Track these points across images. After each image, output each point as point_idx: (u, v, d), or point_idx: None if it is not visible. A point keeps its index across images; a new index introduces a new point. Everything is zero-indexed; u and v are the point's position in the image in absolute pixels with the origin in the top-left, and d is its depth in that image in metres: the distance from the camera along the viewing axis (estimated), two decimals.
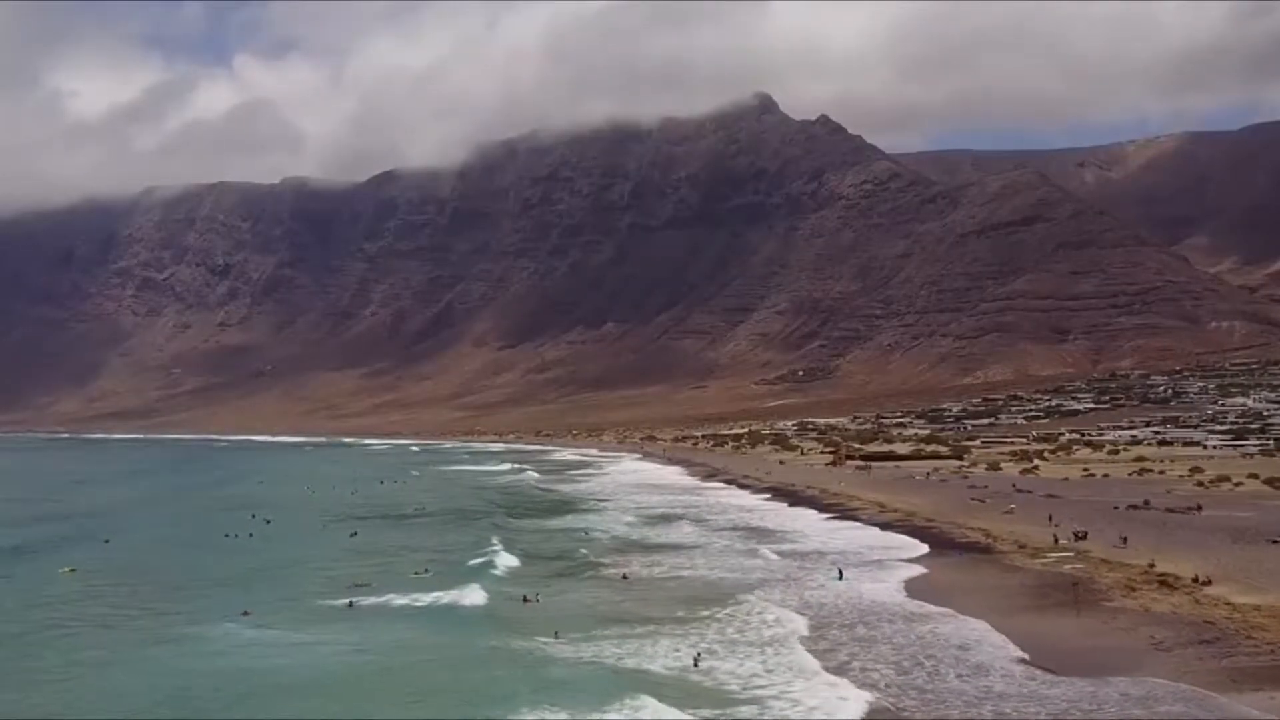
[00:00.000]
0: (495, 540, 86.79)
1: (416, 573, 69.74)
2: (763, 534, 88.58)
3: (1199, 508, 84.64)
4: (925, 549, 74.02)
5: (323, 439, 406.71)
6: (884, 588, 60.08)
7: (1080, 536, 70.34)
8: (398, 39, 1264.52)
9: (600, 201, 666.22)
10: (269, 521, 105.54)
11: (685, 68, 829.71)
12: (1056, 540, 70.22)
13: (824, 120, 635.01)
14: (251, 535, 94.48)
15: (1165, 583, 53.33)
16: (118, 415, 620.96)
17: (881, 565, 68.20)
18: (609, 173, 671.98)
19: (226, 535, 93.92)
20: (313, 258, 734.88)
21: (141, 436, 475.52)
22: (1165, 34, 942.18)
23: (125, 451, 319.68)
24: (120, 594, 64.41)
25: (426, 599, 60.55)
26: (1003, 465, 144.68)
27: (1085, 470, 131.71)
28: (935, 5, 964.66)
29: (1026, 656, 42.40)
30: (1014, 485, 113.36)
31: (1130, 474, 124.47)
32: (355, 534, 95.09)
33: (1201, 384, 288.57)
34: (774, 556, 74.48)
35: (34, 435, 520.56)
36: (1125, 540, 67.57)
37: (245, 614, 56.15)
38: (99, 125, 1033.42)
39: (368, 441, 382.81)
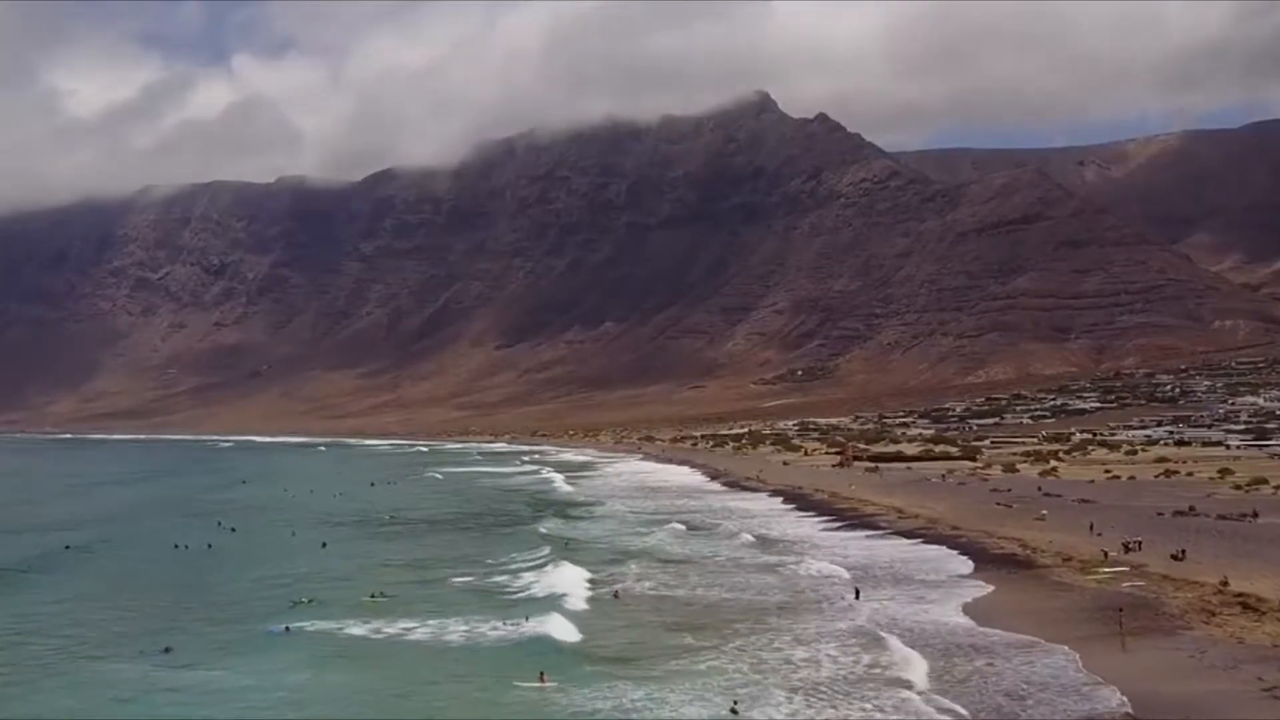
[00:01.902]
0: (475, 553, 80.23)
1: (373, 595, 62.66)
2: (772, 545, 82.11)
3: (1255, 514, 78.98)
4: (969, 564, 67.59)
5: (326, 440, 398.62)
6: (939, 611, 53.76)
7: (1130, 548, 64.50)
8: (397, 37, 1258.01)
9: (598, 200, 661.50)
10: (234, 530, 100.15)
11: (683, 66, 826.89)
12: (1106, 554, 63.96)
13: (822, 118, 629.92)
14: (210, 546, 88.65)
15: (1248, 605, 47.55)
16: (113, 415, 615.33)
17: (927, 584, 61.97)
18: (606, 171, 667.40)
19: (177, 546, 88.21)
20: (309, 257, 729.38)
21: (145, 437, 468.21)
22: (1166, 32, 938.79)
23: (124, 453, 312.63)
24: (31, 619, 57.57)
25: (388, 629, 53.28)
26: (1019, 467, 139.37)
27: (1107, 472, 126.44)
28: (934, 4, 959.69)
29: (1130, 709, 36.34)
30: (1039, 488, 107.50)
31: (1156, 476, 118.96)
32: (325, 545, 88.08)
33: (1209, 383, 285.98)
34: (787, 571, 68.51)
35: (35, 436, 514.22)
36: (1184, 553, 61.85)
37: (166, 650, 49.50)
38: (95, 124, 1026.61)
39: (369, 442, 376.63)
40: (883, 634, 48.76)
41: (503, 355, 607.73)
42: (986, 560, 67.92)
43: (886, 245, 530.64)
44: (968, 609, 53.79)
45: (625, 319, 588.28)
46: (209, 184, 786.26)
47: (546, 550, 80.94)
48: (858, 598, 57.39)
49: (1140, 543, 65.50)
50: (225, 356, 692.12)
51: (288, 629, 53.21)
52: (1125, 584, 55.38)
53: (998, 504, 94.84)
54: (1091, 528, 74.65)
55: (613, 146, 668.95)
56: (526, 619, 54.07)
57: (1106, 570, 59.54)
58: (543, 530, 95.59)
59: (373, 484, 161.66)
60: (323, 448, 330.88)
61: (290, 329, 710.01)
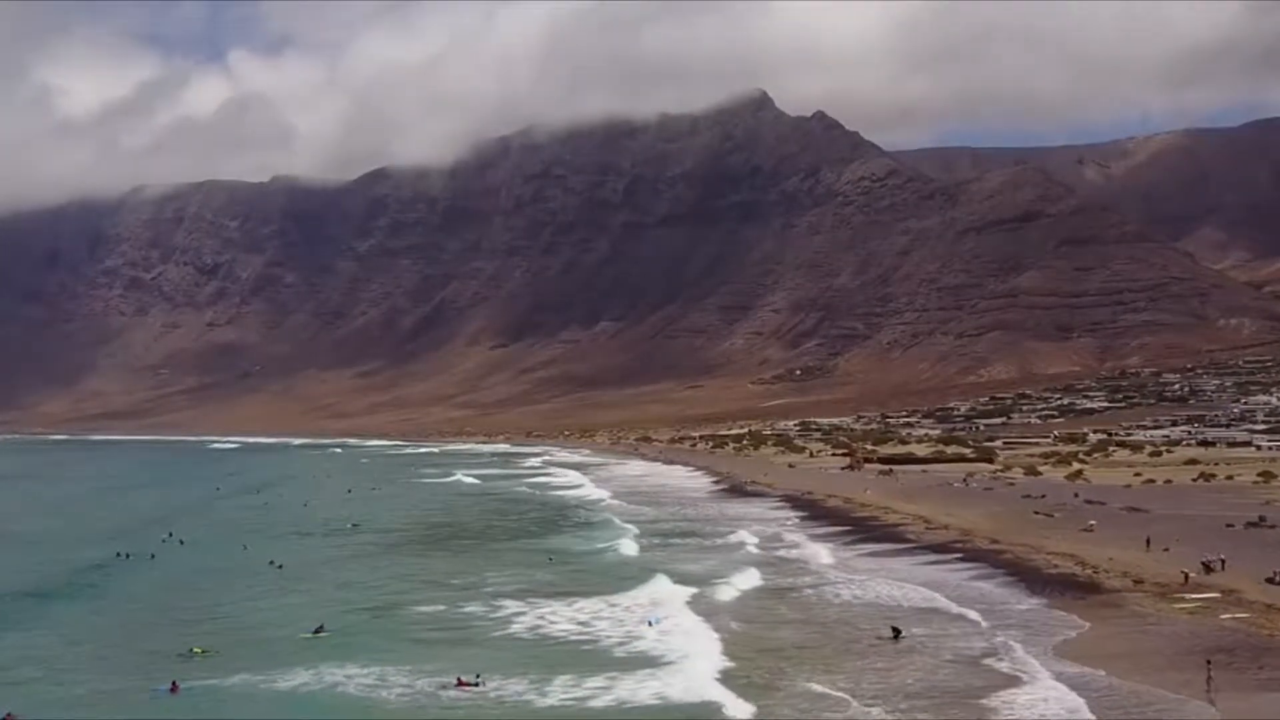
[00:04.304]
0: (442, 574, 71.00)
1: (314, 632, 53.00)
2: (788, 565, 72.22)
3: None
4: (1022, 585, 58.65)
5: (320, 441, 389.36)
6: (1035, 657, 43.89)
7: (1212, 568, 56.68)
8: (394, 35, 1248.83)
9: (594, 199, 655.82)
10: (182, 542, 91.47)
11: (681, 63, 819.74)
12: (1187, 577, 55.58)
13: (820, 116, 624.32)
14: (154, 557, 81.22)
15: None
16: (107, 416, 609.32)
17: (999, 614, 52.91)
18: (603, 170, 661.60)
19: (119, 555, 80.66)
20: (302, 256, 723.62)
21: (150, 438, 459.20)
22: (1167, 30, 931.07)
23: (113, 455, 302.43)
24: None
25: (305, 687, 43.46)
26: (1041, 469, 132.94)
27: (1137, 474, 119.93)
28: (933, 2, 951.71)
29: None
30: (1075, 494, 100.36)
31: (1194, 480, 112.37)
32: (280, 566, 76.83)
33: (1217, 382, 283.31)
34: (800, 598, 59.90)
35: (26, 436, 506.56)
36: None
37: (6, 718, 40.75)
38: (88, 122, 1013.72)
39: (371, 443, 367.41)
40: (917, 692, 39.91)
41: (499, 355, 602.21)
42: (1041, 582, 59.94)
43: (886, 244, 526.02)
44: (1063, 651, 44.57)
45: (622, 318, 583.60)
46: (202, 183, 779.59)
47: (532, 572, 71.43)
48: (896, 638, 48.44)
49: (1223, 561, 57.89)
50: (219, 357, 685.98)
51: (174, 687, 43.68)
52: (1223, 615, 47.73)
53: (1036, 513, 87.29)
54: (1149, 543, 67.17)
55: (609, 144, 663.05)
56: (477, 679, 43.44)
57: (1194, 597, 51.54)
58: (533, 546, 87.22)
59: (350, 490, 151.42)
60: (338, 449, 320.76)
61: (284, 329, 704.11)
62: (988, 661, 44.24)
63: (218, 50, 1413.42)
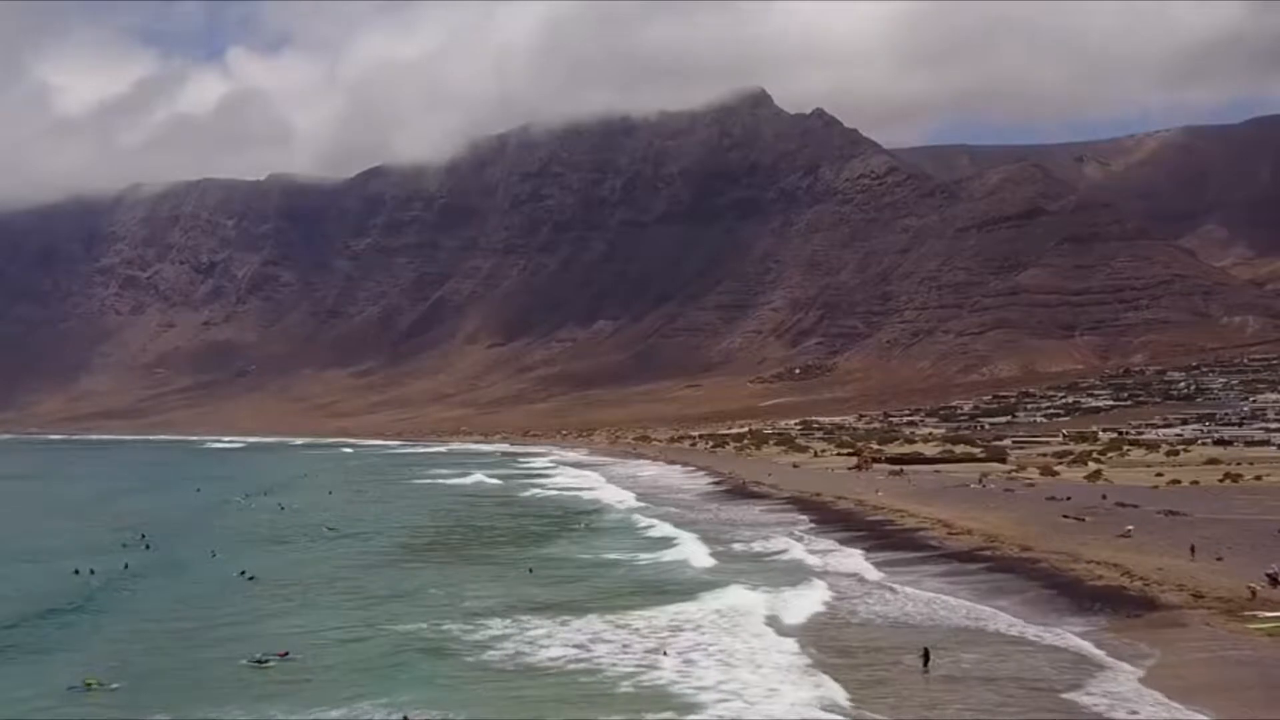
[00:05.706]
0: (423, 584, 65.49)
1: (256, 659, 46.30)
2: (801, 572, 66.95)
3: None
4: (1067, 601, 52.93)
5: (333, 440, 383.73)
6: (1109, 689, 38.21)
7: (1278, 580, 52.13)
8: (392, 33, 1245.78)
9: (591, 197, 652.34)
10: (149, 547, 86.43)
11: (679, 60, 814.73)
12: (1254, 592, 50.54)
13: (819, 113, 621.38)
14: (127, 566, 75.17)
15: None
16: (103, 415, 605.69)
17: (1049, 630, 47.48)
18: (600, 167, 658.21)
19: (76, 571, 73.07)
20: (299, 255, 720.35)
21: (147, 438, 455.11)
22: (1167, 27, 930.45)
23: (120, 454, 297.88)
24: None
25: None
26: (1057, 469, 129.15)
27: (1159, 475, 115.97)
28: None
29: None
30: (1104, 496, 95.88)
31: (1220, 480, 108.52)
32: (252, 578, 69.71)
33: (1223, 380, 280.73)
34: (819, 613, 54.83)
35: (21, 437, 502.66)
36: None
37: None
38: (85, 120, 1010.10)
39: (372, 442, 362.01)
40: None
41: (496, 354, 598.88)
42: (1087, 596, 54.55)
43: (885, 241, 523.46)
44: (1147, 683, 39.14)
45: (620, 317, 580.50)
46: (198, 181, 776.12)
47: (521, 586, 65.20)
48: (926, 663, 42.61)
49: None
50: (215, 356, 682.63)
51: None
52: None
53: (1064, 516, 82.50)
54: (1193, 550, 62.62)
55: (607, 142, 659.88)
56: (448, 706, 38.22)
57: (1267, 615, 46.35)
58: (527, 554, 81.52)
59: (330, 492, 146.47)
60: (347, 449, 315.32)
61: (281, 327, 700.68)
62: (1070, 695, 38.74)
63: (216, 48, 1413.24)
